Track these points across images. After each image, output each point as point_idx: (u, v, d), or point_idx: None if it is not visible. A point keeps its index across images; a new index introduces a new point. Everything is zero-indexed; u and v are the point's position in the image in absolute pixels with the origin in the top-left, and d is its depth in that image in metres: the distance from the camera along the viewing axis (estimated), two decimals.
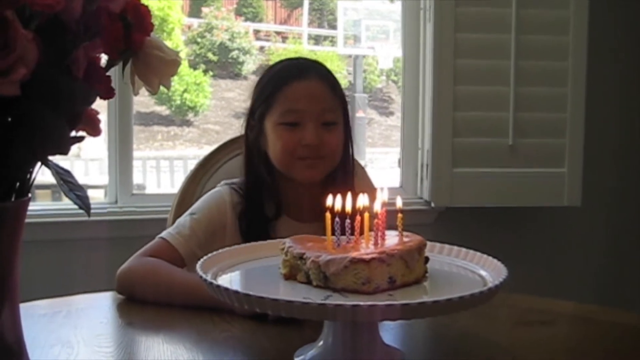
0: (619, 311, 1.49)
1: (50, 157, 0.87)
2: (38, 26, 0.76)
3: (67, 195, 0.87)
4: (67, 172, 0.90)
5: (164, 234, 1.59)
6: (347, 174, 1.64)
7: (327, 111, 1.58)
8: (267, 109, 1.60)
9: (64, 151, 0.82)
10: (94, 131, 0.91)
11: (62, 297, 1.49)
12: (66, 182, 0.88)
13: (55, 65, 0.80)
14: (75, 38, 0.82)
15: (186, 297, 1.36)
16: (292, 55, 11.14)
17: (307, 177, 1.59)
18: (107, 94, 0.86)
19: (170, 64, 0.92)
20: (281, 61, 1.70)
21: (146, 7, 0.89)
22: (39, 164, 0.86)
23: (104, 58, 0.90)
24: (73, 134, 0.87)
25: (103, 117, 2.55)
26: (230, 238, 1.59)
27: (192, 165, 1.96)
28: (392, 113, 10.36)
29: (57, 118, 0.79)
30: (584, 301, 1.61)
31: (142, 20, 0.88)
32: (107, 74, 0.88)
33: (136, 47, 0.89)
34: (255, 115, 1.63)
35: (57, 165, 0.88)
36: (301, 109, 1.56)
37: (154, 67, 0.91)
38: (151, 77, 0.91)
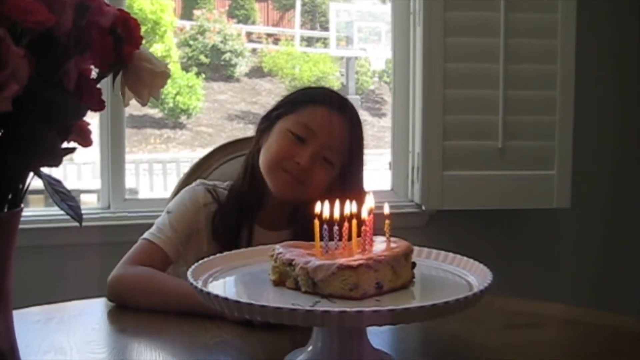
0: (608, 313, 1.50)
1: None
2: (29, 42, 0.78)
3: (59, 206, 0.88)
4: (59, 182, 0.91)
5: (146, 235, 1.61)
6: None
7: (331, 149, 1.60)
8: (286, 114, 1.64)
9: (56, 163, 0.83)
10: (85, 142, 0.92)
11: (55, 304, 1.50)
12: (58, 192, 0.89)
13: (47, 80, 0.82)
14: (66, 52, 0.83)
15: (179, 304, 1.37)
16: (285, 57, 11.16)
17: (279, 191, 1.60)
18: (98, 107, 0.88)
19: (160, 75, 0.93)
20: (321, 87, 1.76)
21: (135, 20, 0.90)
22: (31, 174, 0.87)
23: (94, 71, 0.92)
24: (65, 145, 0.88)
25: (95, 122, 2.57)
26: (206, 238, 1.63)
27: (185, 168, 1.98)
28: (384, 114, 10.38)
29: (49, 131, 0.81)
30: (574, 303, 1.63)
31: (131, 33, 0.89)
32: (98, 86, 0.90)
33: (126, 59, 0.91)
34: (272, 115, 1.67)
35: (49, 176, 0.90)
36: (315, 130, 1.58)
37: (144, 79, 0.92)
38: (141, 89, 0.93)
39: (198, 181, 1.73)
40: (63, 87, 0.83)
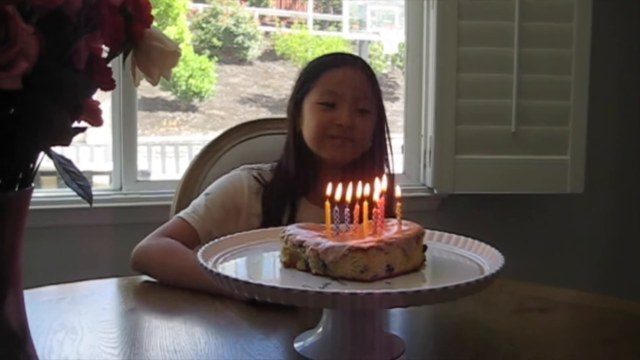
0: (619, 299, 1.49)
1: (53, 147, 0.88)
2: (39, 19, 0.77)
3: (69, 185, 0.88)
4: (69, 161, 0.91)
5: (181, 213, 1.66)
6: (373, 164, 1.71)
7: (362, 99, 1.68)
8: (308, 91, 1.70)
9: (66, 142, 0.83)
10: (96, 121, 0.92)
11: (66, 284, 1.50)
12: (68, 172, 0.89)
13: (57, 58, 0.81)
14: (76, 30, 0.82)
15: (193, 281, 1.39)
16: (298, 40, 11.13)
17: (335, 155, 1.67)
18: (109, 86, 0.87)
19: (171, 55, 0.93)
20: (328, 53, 1.84)
21: None
22: (41, 154, 0.87)
23: (105, 50, 0.91)
24: (75, 124, 0.88)
25: (107, 104, 2.58)
26: (245, 222, 1.66)
27: (197, 150, 1.98)
28: (397, 98, 10.35)
29: (59, 109, 0.80)
30: (586, 288, 1.62)
31: (142, 12, 0.89)
32: (109, 65, 0.89)
33: (137, 38, 0.90)
34: (297, 97, 1.73)
35: (59, 155, 0.89)
36: (339, 91, 1.66)
37: (155, 59, 0.92)
38: (152, 69, 0.92)
39: (242, 166, 1.76)
40: (73, 66, 0.83)
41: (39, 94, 0.77)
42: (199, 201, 1.68)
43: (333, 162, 1.68)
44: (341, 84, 1.67)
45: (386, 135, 1.74)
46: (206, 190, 1.72)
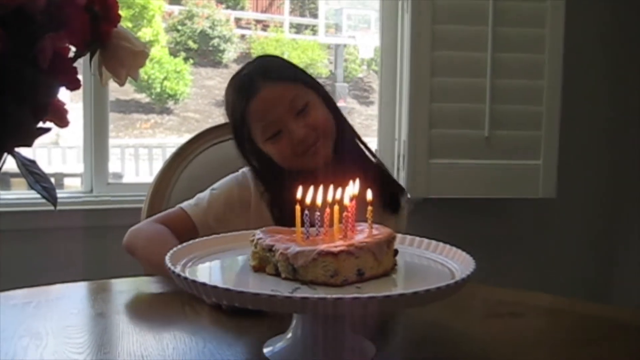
0: (592, 303, 1.50)
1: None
2: (2, 17, 0.76)
3: (32, 187, 0.86)
4: (33, 162, 0.89)
5: (184, 204, 1.67)
6: (352, 141, 1.69)
7: (293, 101, 1.59)
8: (249, 134, 1.63)
9: (29, 143, 0.81)
10: (62, 122, 0.90)
11: (34, 288, 1.47)
12: (32, 173, 0.87)
13: (20, 56, 0.79)
14: (40, 29, 0.81)
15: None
16: (274, 44, 11.10)
17: (317, 162, 1.61)
18: (73, 85, 0.86)
19: (138, 55, 0.91)
20: (233, 78, 1.70)
21: None
22: (5, 154, 0.85)
23: (72, 49, 0.89)
24: (40, 125, 0.86)
25: (78, 105, 2.55)
26: (255, 218, 1.64)
27: (171, 153, 1.96)
28: (372, 102, 10.37)
29: (21, 109, 0.79)
30: (558, 293, 1.62)
31: (109, 11, 0.87)
32: (75, 65, 0.88)
33: (103, 38, 0.89)
34: (244, 143, 1.66)
35: (23, 156, 0.87)
36: (273, 118, 1.58)
37: (122, 59, 0.90)
38: (119, 69, 0.91)
39: (246, 168, 1.72)
40: (38, 65, 0.81)
41: (0, 93, 0.75)
42: (203, 195, 1.68)
43: (318, 167, 1.61)
44: (268, 111, 1.58)
45: (339, 111, 1.69)
46: (213, 186, 1.70)
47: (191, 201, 1.67)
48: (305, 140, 1.58)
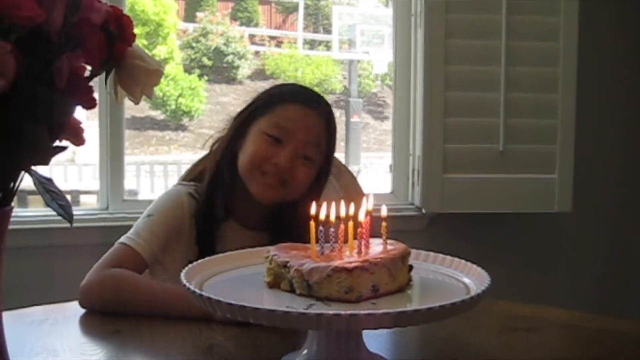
0: (608, 318, 1.49)
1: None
2: (18, 37, 0.77)
3: (49, 205, 0.87)
4: (50, 180, 0.90)
5: (123, 239, 1.56)
6: (296, 212, 1.51)
7: (311, 146, 1.56)
8: (260, 116, 1.58)
9: (46, 161, 0.82)
10: (78, 140, 0.91)
11: (51, 305, 1.49)
12: (48, 191, 0.88)
13: (37, 76, 0.80)
14: (57, 49, 0.82)
15: (167, 308, 1.37)
16: (287, 60, 11.15)
17: (261, 194, 1.55)
18: (89, 104, 0.87)
19: (153, 74, 0.92)
20: (292, 84, 1.74)
21: (128, 17, 0.89)
22: (22, 173, 0.86)
23: (88, 69, 0.91)
24: (57, 143, 0.87)
25: (94, 123, 2.57)
26: (186, 242, 1.58)
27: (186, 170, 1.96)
28: (386, 117, 10.39)
29: (38, 128, 0.79)
30: (575, 307, 1.61)
31: (124, 30, 0.88)
32: (90, 84, 0.89)
33: (118, 57, 0.89)
34: (246, 116, 1.61)
35: (39, 175, 0.88)
36: (290, 129, 1.54)
37: (137, 77, 0.91)
38: (134, 87, 0.92)
39: (176, 184, 1.71)
40: (54, 85, 0.82)
41: (17, 113, 0.76)
42: (141, 224, 1.57)
43: (258, 199, 1.56)
44: (295, 122, 1.55)
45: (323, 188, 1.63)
46: (148, 211, 1.61)
47: (130, 234, 1.56)
48: (278, 169, 1.53)
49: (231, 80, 11.10)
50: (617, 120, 3.02)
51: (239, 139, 1.60)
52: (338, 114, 10.19)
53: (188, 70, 10.44)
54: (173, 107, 9.97)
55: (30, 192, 1.06)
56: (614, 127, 3.02)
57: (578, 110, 2.70)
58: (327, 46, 11.42)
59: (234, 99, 10.58)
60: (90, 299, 1.44)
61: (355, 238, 1.12)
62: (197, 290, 1.02)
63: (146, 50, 0.95)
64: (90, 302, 1.44)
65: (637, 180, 3.06)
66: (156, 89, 0.97)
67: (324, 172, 1.62)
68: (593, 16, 2.83)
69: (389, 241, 1.14)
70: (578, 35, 2.67)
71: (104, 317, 1.43)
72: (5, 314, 0.94)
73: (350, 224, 1.12)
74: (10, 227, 0.89)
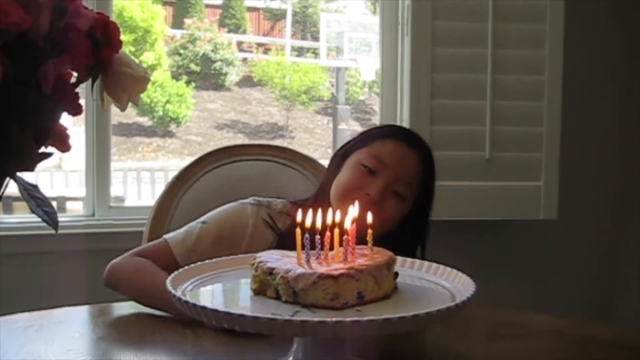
0: (594, 324, 1.50)
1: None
2: (4, 43, 0.77)
3: (34, 211, 0.87)
4: (35, 187, 0.90)
5: (169, 235, 1.60)
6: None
7: (404, 183, 1.57)
8: (359, 148, 1.61)
9: (31, 167, 0.82)
10: (63, 147, 0.91)
11: (36, 311, 1.48)
12: (34, 198, 0.88)
13: (23, 82, 0.80)
14: (43, 55, 0.82)
15: (167, 304, 1.36)
16: (275, 67, 11.15)
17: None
18: (75, 110, 0.87)
19: (139, 80, 0.92)
20: (396, 125, 1.74)
21: (115, 24, 0.89)
22: (7, 179, 0.86)
23: (75, 75, 0.90)
24: (42, 149, 0.87)
25: (80, 129, 2.56)
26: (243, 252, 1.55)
27: (173, 176, 1.96)
28: (374, 125, 10.39)
29: (24, 134, 0.79)
30: (561, 314, 1.62)
31: (110, 37, 0.88)
32: (77, 90, 0.89)
33: (105, 63, 0.89)
34: (347, 149, 1.65)
35: (25, 181, 0.88)
36: (386, 162, 1.56)
37: (123, 84, 0.91)
38: (120, 94, 0.92)
39: (251, 198, 1.67)
40: (40, 90, 0.82)
41: (2, 118, 0.76)
42: (192, 229, 1.59)
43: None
44: (391, 157, 1.57)
45: (416, 230, 1.66)
46: (204, 218, 1.62)
47: (178, 234, 1.59)
48: (368, 200, 1.51)
49: (219, 87, 11.07)
50: (602, 127, 3.04)
51: (337, 168, 1.63)
52: (325, 121, 10.20)
53: (175, 76, 10.40)
54: (160, 113, 9.92)
55: (15, 199, 1.06)
56: (599, 134, 3.03)
57: (564, 118, 2.71)
58: (315, 53, 11.41)
59: (222, 106, 10.56)
60: (110, 279, 1.51)
61: (341, 245, 1.12)
62: (182, 297, 1.02)
63: (134, 57, 0.96)
64: (111, 282, 1.51)
65: (622, 187, 3.08)
66: (143, 96, 0.97)
67: (422, 215, 1.65)
68: (579, 24, 2.85)
69: (374, 249, 1.14)
70: (564, 43, 2.69)
71: (90, 323, 1.43)
72: None
73: (336, 231, 1.12)
74: None
